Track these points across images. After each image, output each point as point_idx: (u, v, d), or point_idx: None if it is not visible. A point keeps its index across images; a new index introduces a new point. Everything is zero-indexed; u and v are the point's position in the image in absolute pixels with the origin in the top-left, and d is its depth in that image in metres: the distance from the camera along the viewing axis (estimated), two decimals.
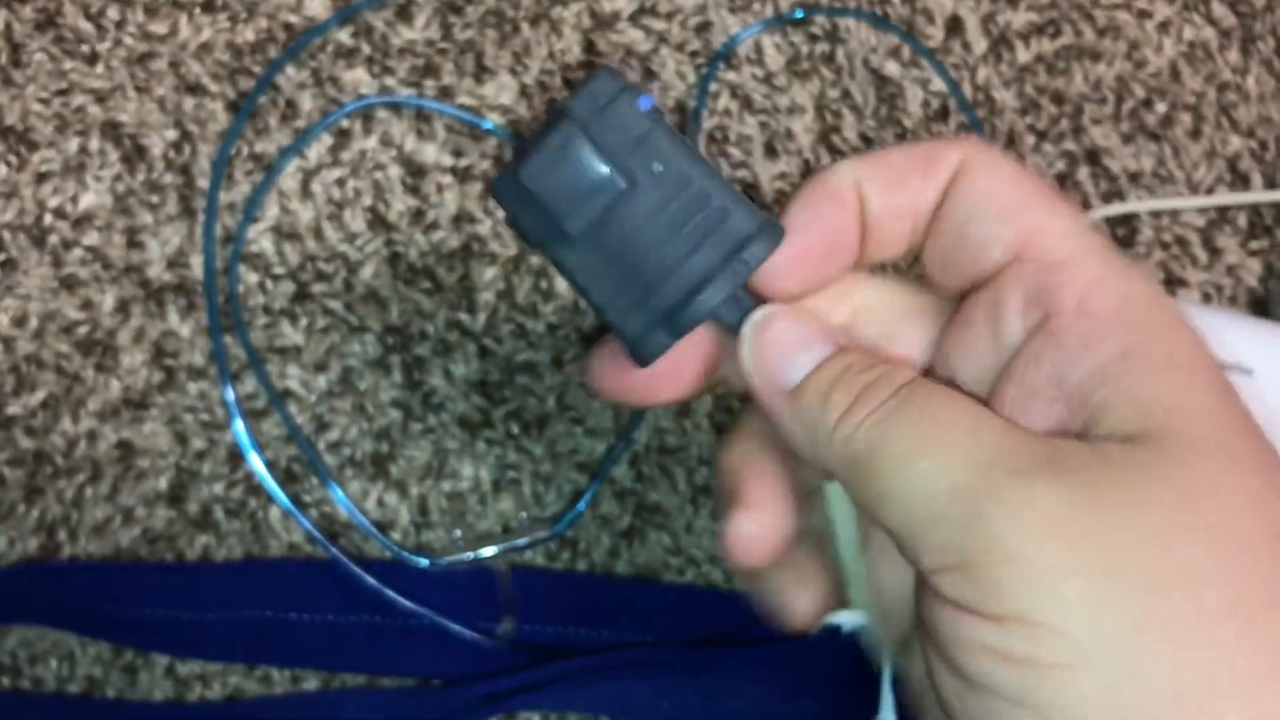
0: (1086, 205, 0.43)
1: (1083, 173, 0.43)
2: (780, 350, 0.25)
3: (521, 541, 0.37)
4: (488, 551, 0.37)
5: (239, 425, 0.37)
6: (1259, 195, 0.44)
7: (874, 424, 0.23)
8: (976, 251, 0.25)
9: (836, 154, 0.42)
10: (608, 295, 0.25)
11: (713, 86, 0.42)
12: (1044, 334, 0.23)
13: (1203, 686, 0.20)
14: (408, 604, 0.36)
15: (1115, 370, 0.23)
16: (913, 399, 0.23)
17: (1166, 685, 0.20)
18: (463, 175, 0.40)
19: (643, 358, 0.25)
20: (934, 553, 0.22)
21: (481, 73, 0.41)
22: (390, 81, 0.40)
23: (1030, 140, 0.43)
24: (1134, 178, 0.43)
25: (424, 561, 0.36)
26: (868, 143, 0.42)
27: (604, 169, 0.24)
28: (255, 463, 0.37)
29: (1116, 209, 0.43)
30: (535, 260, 0.40)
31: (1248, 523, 0.21)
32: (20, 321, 0.37)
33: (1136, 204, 0.43)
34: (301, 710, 0.36)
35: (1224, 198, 0.44)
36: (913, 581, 0.24)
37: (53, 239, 0.38)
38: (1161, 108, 0.45)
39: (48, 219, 0.38)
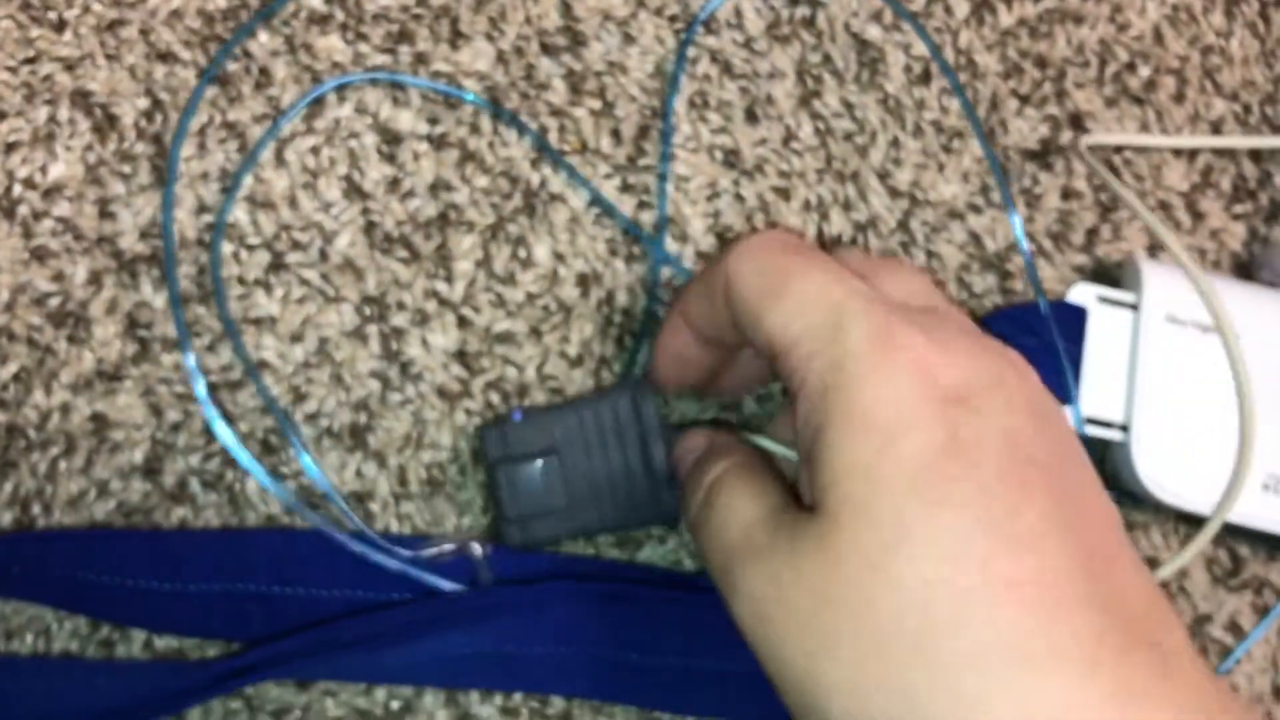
0: (1070, 169, 0.43)
1: (1066, 137, 0.43)
2: (680, 457, 0.34)
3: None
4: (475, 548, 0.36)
5: (201, 388, 0.36)
6: (1235, 140, 0.44)
7: (695, 517, 0.31)
8: (762, 355, 0.30)
9: (818, 120, 0.42)
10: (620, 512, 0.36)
11: (691, 51, 0.42)
12: (793, 416, 0.28)
13: None
14: (394, 565, 0.36)
15: (816, 440, 0.26)
16: (711, 496, 0.30)
17: None
18: (439, 143, 0.39)
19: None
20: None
21: (457, 38, 0.40)
22: (364, 48, 0.40)
23: (1013, 105, 0.43)
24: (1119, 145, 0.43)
25: (404, 552, 0.36)
26: (849, 108, 0.42)
27: (539, 475, 0.35)
28: (223, 434, 0.36)
29: (1100, 138, 0.43)
30: (513, 229, 0.39)
31: (872, 582, 0.25)
32: None
33: (1113, 135, 0.43)
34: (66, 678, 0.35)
35: (1197, 139, 0.44)
36: None
37: (23, 210, 0.37)
38: (1145, 71, 0.44)
39: (17, 189, 0.37)
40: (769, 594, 0.26)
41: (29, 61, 0.38)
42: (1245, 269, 0.43)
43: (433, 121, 0.40)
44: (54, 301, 0.37)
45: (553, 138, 0.40)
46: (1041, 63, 0.44)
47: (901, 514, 0.25)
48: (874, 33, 0.43)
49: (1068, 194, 0.42)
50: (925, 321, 0.28)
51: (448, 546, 0.36)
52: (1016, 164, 0.43)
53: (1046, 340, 0.38)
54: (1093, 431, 0.39)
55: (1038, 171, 0.43)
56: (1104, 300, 0.39)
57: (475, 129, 0.40)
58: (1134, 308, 0.39)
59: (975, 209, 0.42)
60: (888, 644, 0.24)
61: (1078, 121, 0.43)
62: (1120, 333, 0.39)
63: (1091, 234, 0.42)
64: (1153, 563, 0.40)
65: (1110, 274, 0.42)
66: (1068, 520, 0.25)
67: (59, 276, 0.37)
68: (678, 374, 0.35)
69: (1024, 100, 0.43)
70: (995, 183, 0.42)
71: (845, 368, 0.26)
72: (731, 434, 0.34)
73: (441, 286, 0.39)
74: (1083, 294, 0.39)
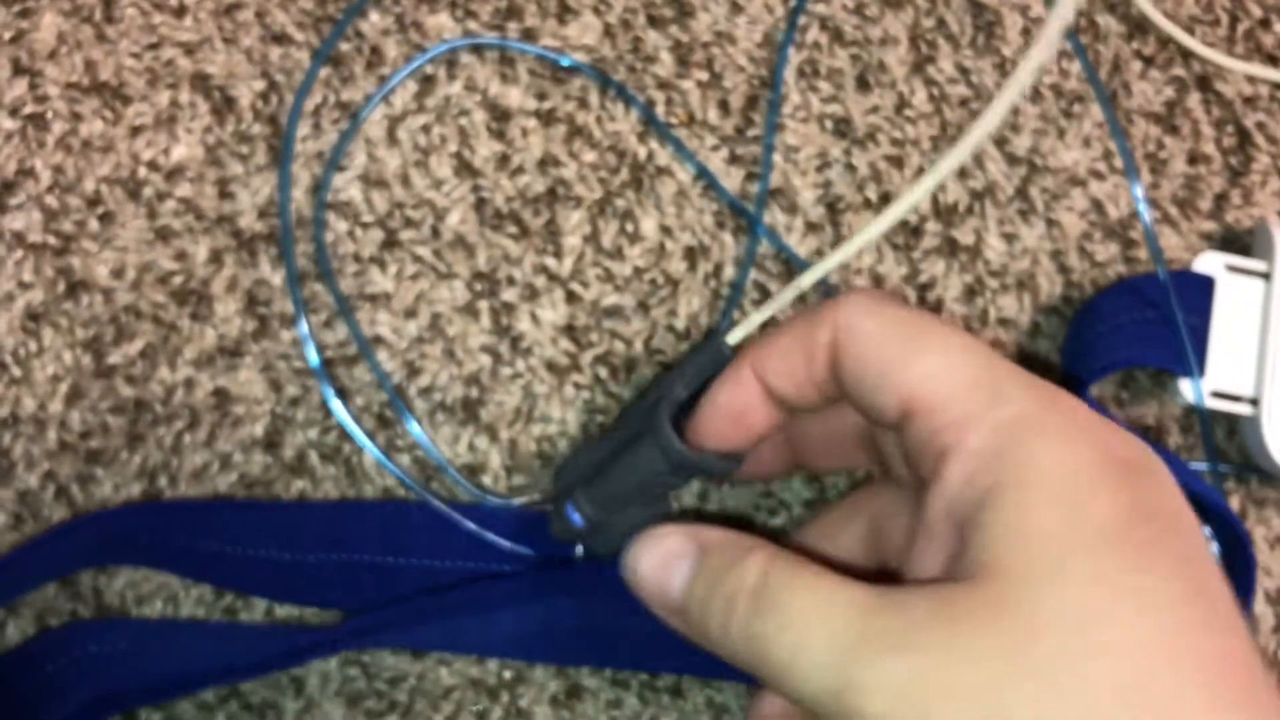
0: (1197, 133, 0.41)
1: (1193, 99, 0.41)
2: (661, 567, 0.29)
3: None
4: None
5: (313, 356, 0.37)
6: None
7: (745, 633, 0.26)
8: (877, 416, 0.27)
9: (932, 86, 0.41)
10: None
11: (801, 19, 0.41)
12: (936, 480, 0.25)
13: None
14: (506, 544, 0.36)
15: (986, 502, 0.24)
16: (769, 597, 0.25)
17: None
18: (547, 118, 0.40)
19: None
20: None
21: (565, 13, 0.40)
22: (473, 25, 0.40)
23: (1137, 66, 0.42)
24: (1249, 102, 0.41)
25: (495, 500, 0.36)
26: (964, 73, 0.41)
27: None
28: (339, 411, 0.37)
29: None
30: (621, 203, 0.39)
31: (1081, 648, 0.22)
32: (118, 273, 0.38)
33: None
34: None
35: None
36: None
37: (147, 191, 0.38)
38: (1279, 27, 0.42)
39: (142, 172, 0.39)
40: (928, 686, 0.23)
41: (152, 47, 0.39)
42: None
43: (541, 97, 0.40)
44: (177, 280, 0.38)
45: (660, 110, 0.40)
46: (1168, 21, 0.42)
47: (1105, 577, 0.23)
48: None
49: (1194, 158, 0.41)
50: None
51: (537, 496, 0.36)
52: (1140, 128, 0.41)
53: (1166, 312, 0.37)
54: (1219, 405, 0.37)
55: (1163, 135, 0.41)
56: (1233, 269, 0.38)
57: (583, 103, 0.40)
58: (1266, 276, 0.38)
59: (1097, 175, 0.41)
60: (1104, 713, 0.22)
61: (1205, 83, 0.41)
62: (1250, 303, 0.38)
63: (1220, 199, 0.41)
64: None
65: (1240, 241, 0.40)
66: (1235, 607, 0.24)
67: (181, 255, 0.38)
68: (730, 437, 0.31)
69: (1148, 62, 0.42)
70: (1117, 148, 0.40)
71: (1018, 429, 0.25)
72: (707, 527, 0.30)
73: (550, 262, 0.39)
74: (1210, 263, 0.38)
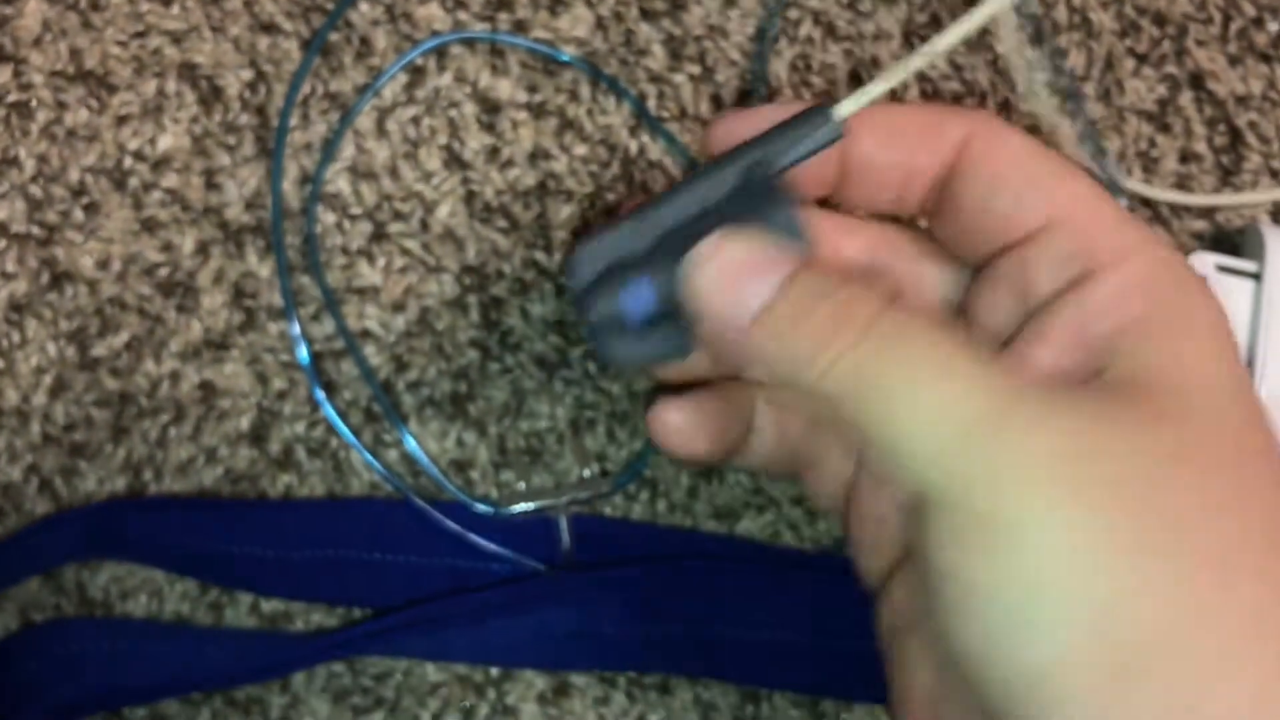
0: (1189, 131, 0.41)
1: (1185, 97, 0.41)
2: (734, 276, 0.24)
3: (583, 495, 0.36)
4: (556, 500, 0.37)
5: (304, 354, 0.37)
6: None
7: (860, 356, 0.22)
8: (1004, 220, 0.26)
9: (924, 81, 0.41)
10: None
11: (794, 13, 0.41)
12: (1073, 290, 0.25)
13: (1186, 625, 0.20)
14: (485, 543, 0.36)
15: (1135, 330, 0.24)
16: (901, 329, 0.22)
17: (1149, 621, 0.20)
18: (538, 111, 0.39)
19: None
20: (932, 487, 0.21)
21: (556, 5, 0.40)
22: (464, 16, 0.40)
23: (1129, 64, 0.41)
24: (1241, 101, 0.41)
25: (483, 507, 0.36)
26: (958, 70, 0.41)
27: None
28: (328, 408, 0.37)
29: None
30: (611, 197, 0.39)
31: (1235, 480, 0.22)
32: (104, 264, 0.37)
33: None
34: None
35: None
36: (901, 510, 0.26)
37: (133, 181, 0.38)
38: (1273, 26, 0.42)
39: (128, 162, 0.38)
40: (1078, 469, 0.21)
41: (138, 35, 0.39)
42: None
43: (531, 89, 0.39)
44: (163, 271, 0.38)
45: (651, 104, 0.40)
46: (1160, 20, 0.42)
47: (1258, 420, 0.23)
48: None
49: (1186, 157, 0.41)
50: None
51: (529, 506, 0.36)
52: (1133, 126, 0.41)
53: None
54: None
55: (1155, 133, 0.41)
56: (1223, 269, 0.38)
57: (574, 96, 0.40)
58: (1256, 277, 0.38)
59: (1090, 174, 0.40)
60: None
61: (1198, 81, 0.41)
62: (1241, 303, 0.38)
63: None
64: None
65: (1231, 241, 0.40)
66: None
67: (168, 247, 0.38)
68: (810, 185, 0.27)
69: (1141, 59, 0.42)
70: (1111, 145, 0.40)
71: (1172, 270, 0.25)
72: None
73: (540, 256, 0.38)
74: (1201, 263, 0.38)
